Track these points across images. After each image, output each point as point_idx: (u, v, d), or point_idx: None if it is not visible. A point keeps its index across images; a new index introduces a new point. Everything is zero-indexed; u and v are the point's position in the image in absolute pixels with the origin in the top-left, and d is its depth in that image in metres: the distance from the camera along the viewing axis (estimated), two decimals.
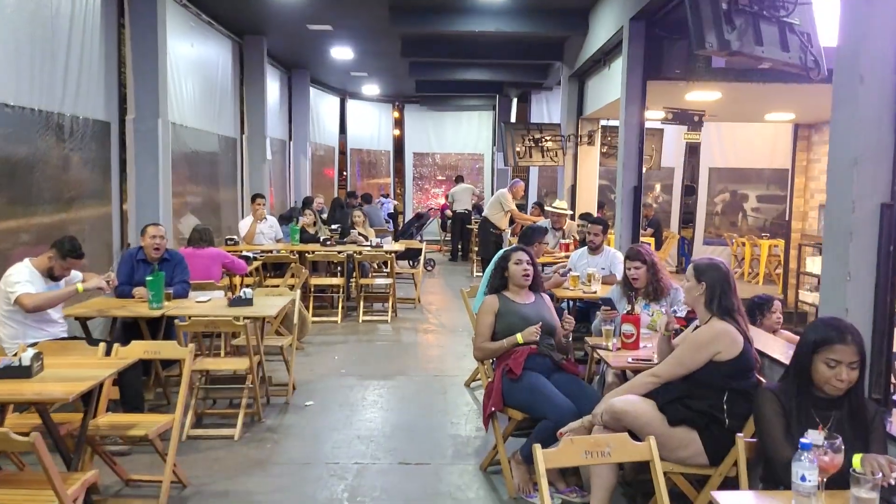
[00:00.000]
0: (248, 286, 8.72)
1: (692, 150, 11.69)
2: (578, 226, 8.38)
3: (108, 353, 4.24)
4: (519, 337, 4.42)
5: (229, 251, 8.75)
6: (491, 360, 4.73)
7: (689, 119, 7.29)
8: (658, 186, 17.69)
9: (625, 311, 4.66)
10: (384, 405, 5.99)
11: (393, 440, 5.19)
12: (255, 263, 8.39)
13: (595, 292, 6.24)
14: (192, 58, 9.16)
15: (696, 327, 3.70)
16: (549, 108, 15.27)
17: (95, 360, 4.14)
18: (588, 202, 10.72)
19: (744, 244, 13.61)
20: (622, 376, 4.41)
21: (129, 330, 5.56)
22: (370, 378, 6.70)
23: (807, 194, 11.03)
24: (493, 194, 17.70)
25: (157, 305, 5.42)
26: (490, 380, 4.56)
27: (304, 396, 6.10)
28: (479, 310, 4.67)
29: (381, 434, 5.30)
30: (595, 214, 9.90)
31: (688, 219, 13.50)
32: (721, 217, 15.06)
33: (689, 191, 12.94)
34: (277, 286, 7.29)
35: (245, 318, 5.32)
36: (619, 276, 6.66)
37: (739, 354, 3.47)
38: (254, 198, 9.68)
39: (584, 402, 4.07)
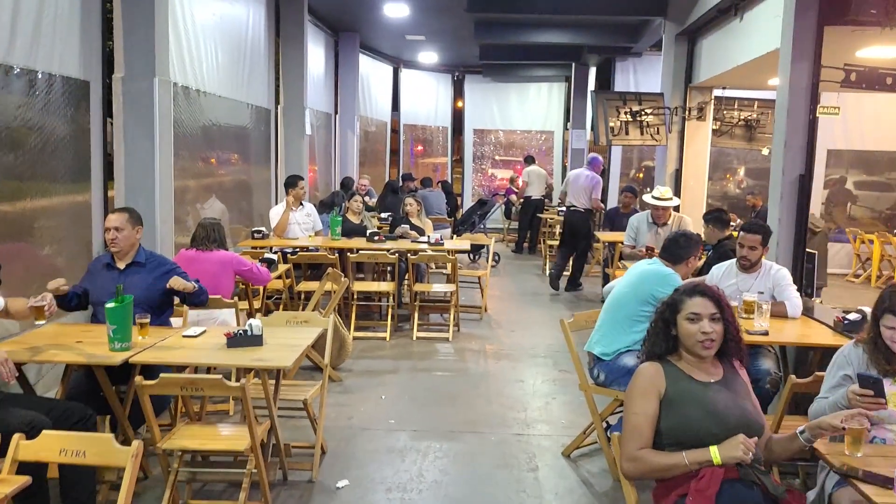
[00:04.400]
0: (273, 295, 6.99)
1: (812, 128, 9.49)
2: (727, 237, 6.16)
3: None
4: (715, 454, 2.49)
5: (255, 247, 7.01)
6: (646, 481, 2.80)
7: (879, 81, 5.21)
8: (742, 170, 15.41)
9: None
10: (450, 487, 4.12)
11: None
12: (283, 268, 6.58)
13: (766, 332, 4.22)
14: (213, 10, 7.34)
15: None
16: (636, 79, 13.09)
17: None
18: (697, 190, 8.63)
19: (871, 241, 11.32)
20: None
21: (91, 379, 3.80)
22: (429, 435, 4.84)
23: None
24: (563, 178, 15.76)
25: (121, 346, 3.64)
26: None
27: (336, 468, 4.28)
28: (630, 388, 2.74)
29: None
30: (704, 208, 7.87)
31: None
32: (831, 207, 12.77)
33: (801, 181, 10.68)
34: (311, 294, 5.46)
35: (245, 369, 3.54)
36: (791, 305, 4.64)
37: None
38: (289, 183, 7.85)
39: None
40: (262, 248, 7.08)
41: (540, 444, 4.77)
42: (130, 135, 5.55)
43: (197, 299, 4.30)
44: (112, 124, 5.62)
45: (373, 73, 14.45)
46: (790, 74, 5.21)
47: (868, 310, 4.18)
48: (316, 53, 10.99)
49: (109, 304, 3.63)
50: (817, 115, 5.45)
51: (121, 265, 4.21)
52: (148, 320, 3.90)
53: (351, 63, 12.67)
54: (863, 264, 11.54)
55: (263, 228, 7.64)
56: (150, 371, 3.66)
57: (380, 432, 4.88)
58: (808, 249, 5.38)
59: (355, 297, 7.20)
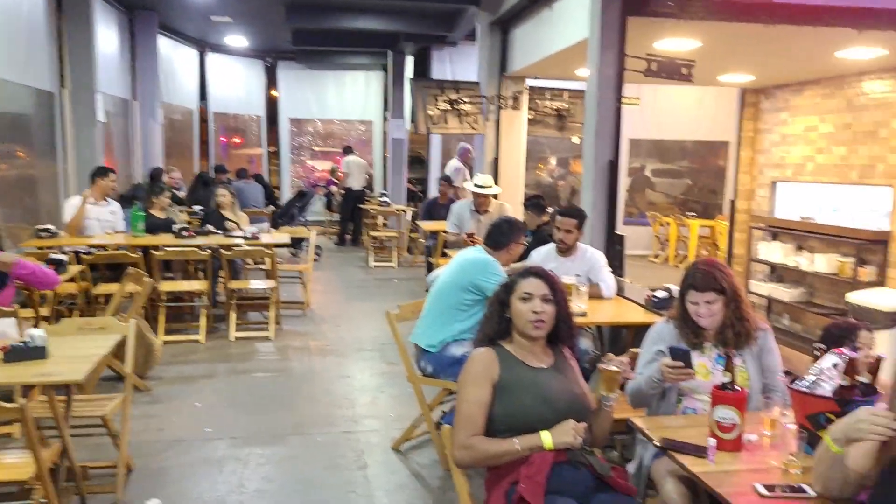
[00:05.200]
0: (66, 300, 6.27)
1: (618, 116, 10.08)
2: (545, 223, 6.31)
3: None
4: (547, 439, 2.45)
5: (42, 247, 6.25)
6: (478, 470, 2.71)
7: (676, 71, 5.53)
8: (554, 159, 16.17)
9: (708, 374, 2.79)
10: (274, 496, 3.84)
11: None
12: (75, 270, 5.90)
13: (584, 313, 4.33)
14: None
15: None
16: (453, 69, 13.22)
17: None
18: (514, 178, 8.84)
19: (668, 224, 12.26)
20: (689, 489, 2.52)
21: None
22: (250, 442, 4.52)
23: (754, 170, 9.67)
24: (386, 168, 15.65)
25: None
26: None
27: (145, 486, 3.86)
28: (463, 375, 2.64)
29: None
30: (523, 194, 8.09)
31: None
32: (633, 193, 13.72)
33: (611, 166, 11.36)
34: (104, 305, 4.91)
35: (27, 385, 3.08)
36: (606, 287, 4.81)
37: None
38: (97, 173, 7.05)
39: None
40: (50, 248, 6.31)
41: (369, 440, 4.61)
42: None
43: None
44: None
45: (175, 56, 13.50)
46: (599, 64, 5.39)
47: (674, 287, 4.41)
48: (107, 33, 10.04)
49: None
50: (622, 104, 5.72)
51: None
52: None
53: (149, 45, 11.70)
54: (662, 245, 12.46)
55: (51, 226, 6.82)
56: None
57: (195, 443, 4.48)
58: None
59: (163, 298, 6.63)
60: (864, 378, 2.44)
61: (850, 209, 8.30)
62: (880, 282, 7.44)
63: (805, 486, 2.21)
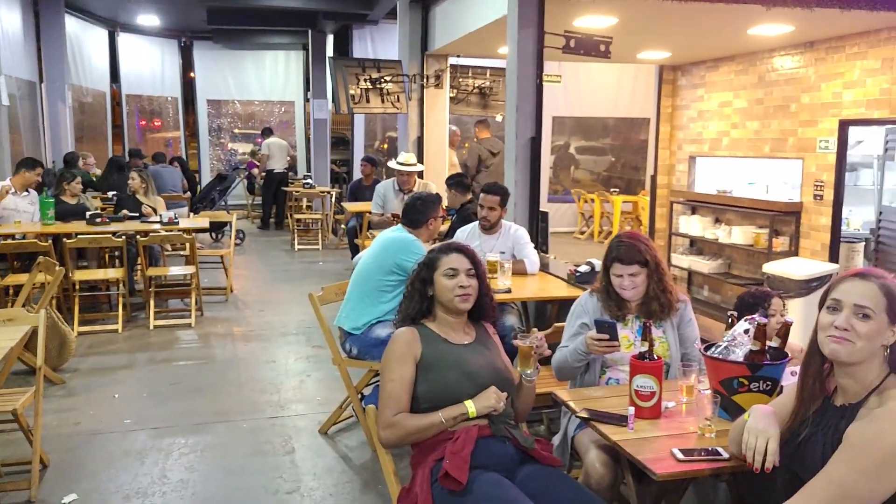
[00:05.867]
0: None
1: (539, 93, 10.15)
2: (469, 201, 6.29)
3: None
4: (470, 407, 2.46)
5: None
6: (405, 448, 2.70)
7: (594, 48, 5.58)
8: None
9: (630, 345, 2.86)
10: (198, 485, 3.75)
11: None
12: None
13: (509, 290, 4.35)
14: None
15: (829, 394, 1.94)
16: (374, 48, 13.04)
17: None
18: (438, 157, 8.82)
19: (592, 200, 12.47)
20: (612, 457, 2.58)
21: None
22: (172, 432, 4.40)
23: (673, 145, 9.91)
24: (309, 149, 15.38)
25: None
26: (406, 488, 2.52)
27: (61, 482, 3.72)
28: (386, 355, 2.62)
29: None
30: (448, 174, 8.09)
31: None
32: (557, 171, 13.90)
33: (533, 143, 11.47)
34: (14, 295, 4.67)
35: None
36: (530, 263, 4.85)
37: None
38: (25, 164, 6.82)
39: None
40: None
41: (296, 424, 4.54)
42: None
43: None
44: None
45: (84, 37, 12.89)
46: (517, 41, 5.40)
47: (596, 261, 4.49)
48: (8, 11, 9.51)
49: None
50: (543, 81, 5.75)
51: None
52: None
53: (55, 24, 11.13)
54: (586, 221, 12.67)
55: None
56: None
57: (114, 435, 4.33)
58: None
59: (77, 287, 6.37)
60: (773, 343, 2.54)
61: (765, 182, 8.61)
62: (794, 251, 7.75)
63: (720, 449, 2.28)
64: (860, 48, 7.01)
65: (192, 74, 16.10)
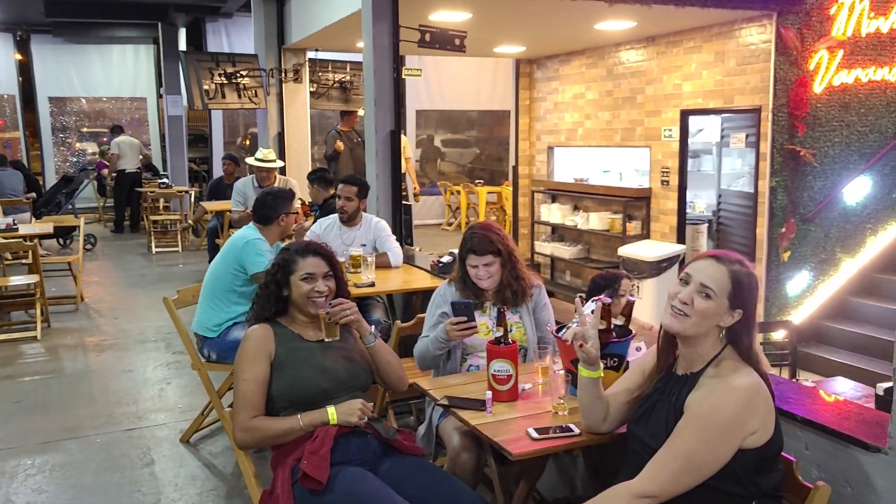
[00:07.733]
0: None
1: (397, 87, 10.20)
2: (332, 196, 6.12)
3: None
4: (332, 414, 2.43)
5: None
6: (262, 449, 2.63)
7: (449, 42, 5.65)
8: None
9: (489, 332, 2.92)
10: None
11: None
12: None
13: (372, 283, 4.34)
14: None
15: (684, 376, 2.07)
16: (230, 42, 12.64)
17: None
18: (300, 153, 8.67)
19: (458, 192, 12.67)
20: (474, 442, 2.63)
21: None
22: (16, 452, 4.08)
23: (532, 136, 10.21)
24: (164, 147, 14.67)
25: None
26: (267, 491, 2.46)
27: None
28: (239, 354, 2.54)
29: None
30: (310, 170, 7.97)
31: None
32: (424, 164, 14.03)
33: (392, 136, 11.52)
34: None
35: None
36: (393, 255, 4.86)
37: (774, 430, 1.97)
38: None
39: None
40: None
41: (155, 434, 4.34)
42: None
43: None
44: None
45: None
46: (373, 35, 5.38)
47: (457, 252, 4.56)
48: None
49: None
50: (402, 76, 5.77)
51: None
52: None
53: None
54: (454, 213, 12.86)
55: None
56: None
57: None
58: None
59: None
60: (618, 321, 2.67)
61: (618, 170, 9.05)
62: (646, 235, 8.20)
63: (572, 426, 2.38)
64: (696, 42, 7.50)
65: (27, 71, 14.96)
